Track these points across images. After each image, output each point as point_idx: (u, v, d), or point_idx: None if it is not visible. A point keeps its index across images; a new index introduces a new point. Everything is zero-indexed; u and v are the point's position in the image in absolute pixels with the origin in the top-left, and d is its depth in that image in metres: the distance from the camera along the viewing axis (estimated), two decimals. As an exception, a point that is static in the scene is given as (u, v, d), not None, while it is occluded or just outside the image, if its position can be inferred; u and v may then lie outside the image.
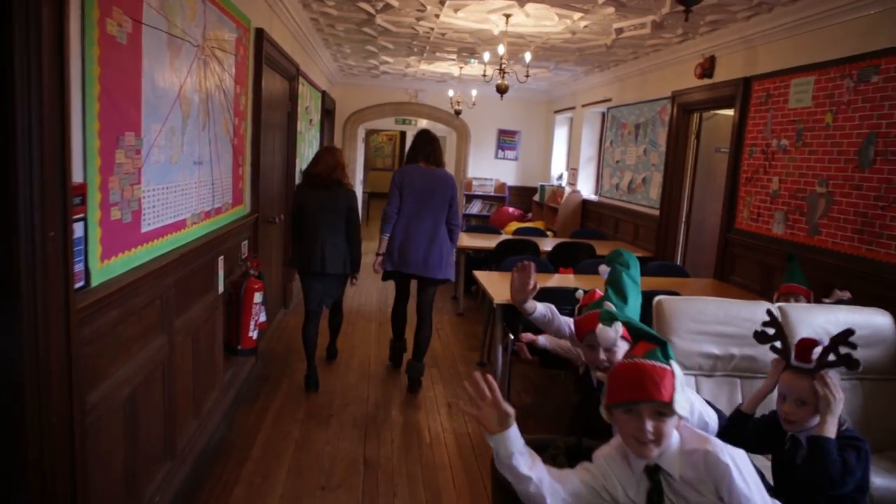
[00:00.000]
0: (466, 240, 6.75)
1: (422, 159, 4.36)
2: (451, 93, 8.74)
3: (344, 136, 10.43)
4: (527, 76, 5.39)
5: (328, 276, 4.22)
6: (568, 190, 9.15)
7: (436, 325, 5.20)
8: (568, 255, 5.93)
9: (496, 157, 10.89)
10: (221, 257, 3.48)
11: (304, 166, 6.87)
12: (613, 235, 7.49)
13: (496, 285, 4.44)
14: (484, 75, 5.57)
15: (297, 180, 6.41)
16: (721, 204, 6.13)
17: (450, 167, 10.63)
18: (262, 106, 4.30)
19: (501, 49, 4.99)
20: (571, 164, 9.54)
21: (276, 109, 5.18)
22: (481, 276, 4.80)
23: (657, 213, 6.46)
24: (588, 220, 8.66)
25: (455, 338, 5.77)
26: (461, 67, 8.28)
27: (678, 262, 6.24)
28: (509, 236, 7.13)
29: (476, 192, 10.63)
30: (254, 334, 3.76)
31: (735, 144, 5.09)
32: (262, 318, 3.99)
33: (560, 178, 10.47)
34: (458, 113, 8.73)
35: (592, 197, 8.79)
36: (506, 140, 10.86)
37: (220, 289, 3.49)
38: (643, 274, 3.36)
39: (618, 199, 7.60)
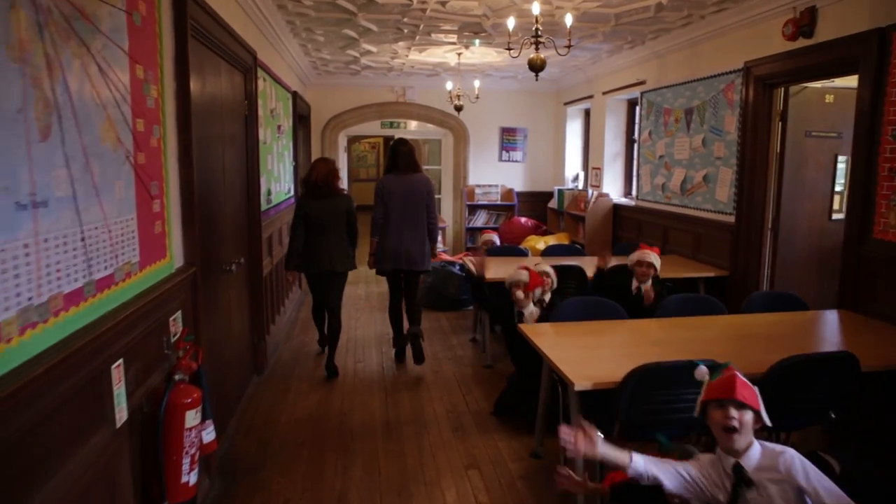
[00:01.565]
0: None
1: (400, 168, 4.83)
2: (449, 85, 7.28)
3: (323, 145, 8.93)
4: (568, 46, 3.94)
5: (337, 274, 4.73)
6: (592, 194, 7.71)
7: (458, 386, 4.56)
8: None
9: (500, 159, 9.44)
10: (118, 363, 1.98)
11: (273, 187, 5.38)
12: (665, 248, 6.06)
13: (563, 350, 2.99)
14: (508, 48, 4.11)
15: (265, 205, 4.93)
16: (816, 204, 4.72)
17: (447, 174, 9.17)
18: (191, 104, 2.80)
19: (536, 7, 3.54)
20: (593, 163, 8.11)
21: (223, 112, 3.68)
22: (535, 334, 3.32)
23: (730, 219, 5.03)
24: (622, 229, 7.22)
25: (489, 408, 4.22)
26: (460, 54, 6.82)
27: (766, 282, 4.83)
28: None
29: (480, 202, 9.17)
30: (191, 478, 2.26)
31: (867, 124, 3.67)
32: (208, 437, 2.50)
33: (575, 179, 9.05)
34: (458, 109, 7.27)
35: (624, 201, 7.36)
36: (510, 139, 9.41)
37: (121, 416, 2.00)
38: (744, 310, 3.85)
39: (665, 203, 6.17)
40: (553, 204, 8.75)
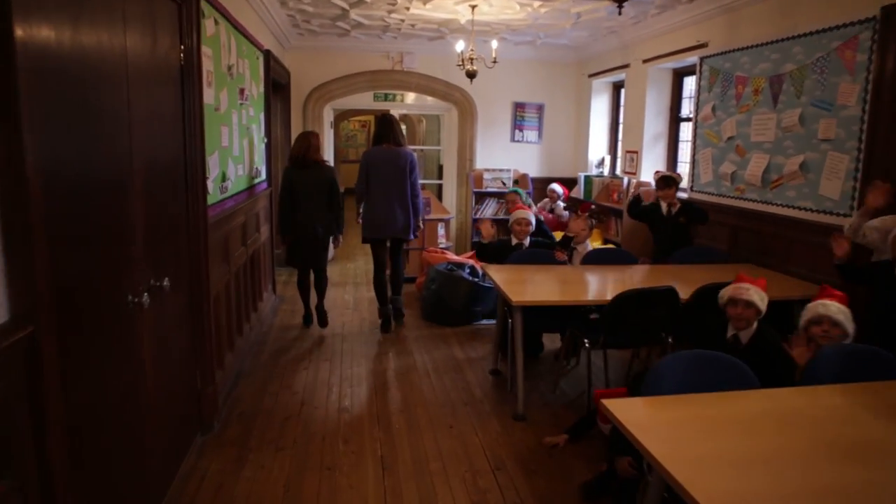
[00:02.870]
0: (503, 275, 3.95)
1: (384, 141, 5.03)
2: (461, 45, 5.90)
3: (304, 120, 7.54)
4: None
5: (319, 240, 5.03)
6: (627, 182, 6.40)
7: (485, 458, 3.01)
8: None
9: (513, 139, 8.09)
10: None
11: (233, 169, 4.05)
12: (734, 255, 4.77)
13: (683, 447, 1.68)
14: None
15: (217, 195, 3.61)
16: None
17: (449, 156, 7.85)
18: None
19: None
20: (626, 146, 6.79)
21: (129, 70, 2.30)
22: (621, 409, 2.00)
23: (844, 221, 3.74)
24: (668, 226, 5.92)
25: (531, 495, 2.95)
26: (474, 7, 5.46)
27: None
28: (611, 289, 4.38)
29: (489, 189, 7.83)
30: None
31: None
32: None
33: (600, 164, 7.73)
34: (471, 76, 5.91)
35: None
36: (525, 116, 8.06)
37: None
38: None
39: (736, 197, 4.87)
40: (577, 193, 7.43)
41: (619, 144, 7.63)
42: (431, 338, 5.09)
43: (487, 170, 7.82)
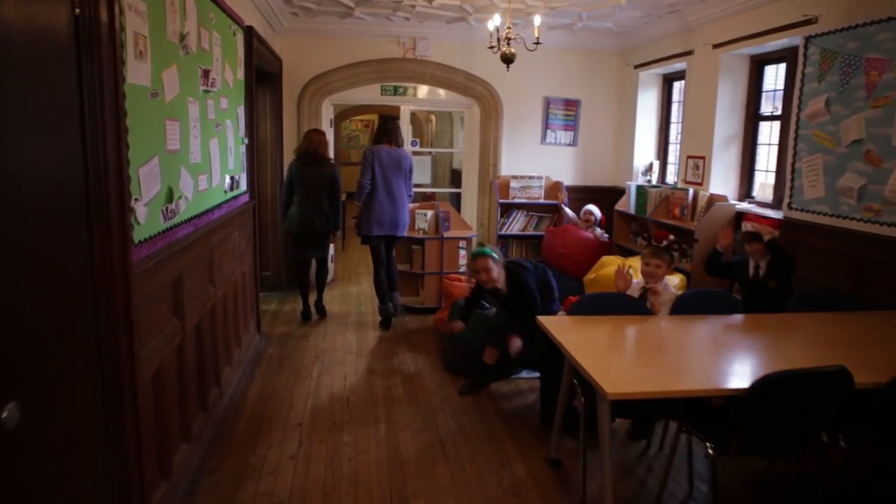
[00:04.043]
0: (570, 335, 2.76)
1: (386, 141, 5.12)
2: (495, 22, 4.68)
3: (300, 115, 6.35)
4: None
5: (316, 233, 5.20)
6: (692, 194, 5.22)
7: None
8: None
9: (544, 141, 6.91)
10: None
11: (193, 183, 2.85)
12: (861, 294, 3.57)
13: None
14: None
15: (164, 223, 2.40)
16: None
17: (470, 160, 6.72)
18: None
19: None
20: (689, 150, 5.60)
21: None
22: None
23: None
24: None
25: None
26: (513, -28, 4.27)
27: None
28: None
29: (517, 200, 6.63)
30: None
31: None
32: None
33: (647, 171, 6.55)
34: (508, 61, 4.72)
35: (752, 208, 4.88)
36: (558, 115, 6.88)
37: None
38: None
39: (864, 219, 3.68)
40: (624, 206, 6.23)
41: (672, 148, 6.44)
42: (461, 400, 3.90)
43: (515, 177, 6.63)
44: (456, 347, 4.31)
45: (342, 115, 13.13)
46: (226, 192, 3.70)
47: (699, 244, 4.81)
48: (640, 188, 5.84)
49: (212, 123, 3.34)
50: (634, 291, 3.51)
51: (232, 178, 3.89)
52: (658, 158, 6.64)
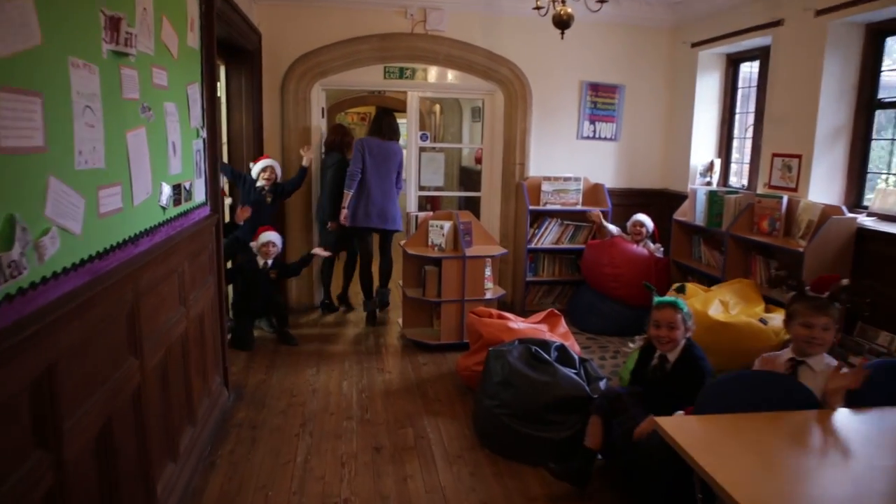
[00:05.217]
0: (710, 457, 1.59)
1: (378, 133, 5.07)
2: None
3: (284, 103, 5.15)
4: None
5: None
6: (785, 202, 4.05)
7: None
8: None
9: (581, 135, 5.72)
10: None
11: (75, 205, 1.58)
12: None
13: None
14: None
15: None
16: None
17: (491, 158, 5.58)
18: None
19: None
20: (776, 146, 4.43)
21: None
22: None
23: None
24: (872, 275, 3.57)
25: None
26: None
27: None
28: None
29: (549, 205, 5.45)
30: None
31: None
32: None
33: (707, 172, 5.38)
34: (563, 24, 3.54)
35: (869, 224, 3.72)
36: (598, 103, 5.69)
37: None
38: None
39: None
40: (686, 214, 5.05)
41: (737, 144, 5.27)
42: (504, 497, 2.73)
43: (547, 178, 5.44)
44: (495, 414, 3.13)
45: (337, 107, 11.91)
46: (164, 207, 2.50)
47: (808, 270, 3.63)
48: (712, 194, 4.66)
49: (133, 106, 2.14)
50: (780, 364, 2.33)
51: (178, 186, 2.69)
52: (720, 156, 5.47)
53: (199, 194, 3.09)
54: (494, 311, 3.98)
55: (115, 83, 1.98)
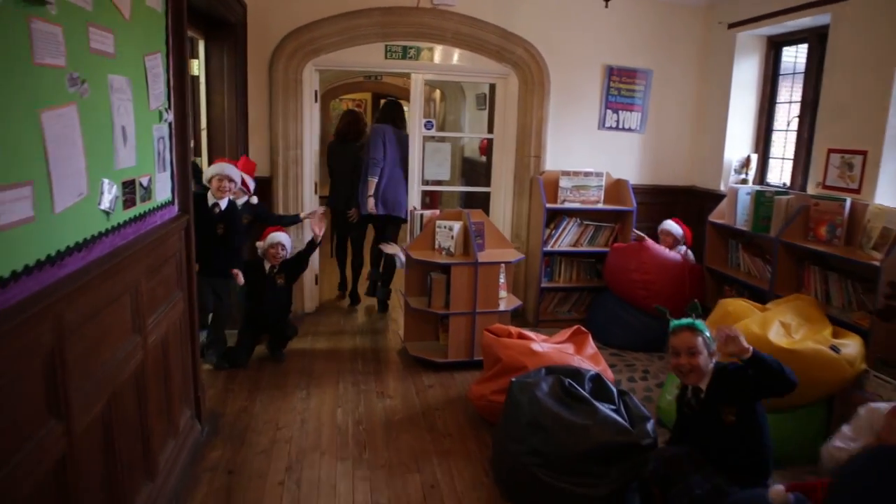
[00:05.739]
0: None
1: (392, 122, 5.00)
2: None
3: (272, 84, 4.55)
4: None
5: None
6: (848, 206, 3.51)
7: None
8: None
9: (602, 125, 5.15)
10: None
11: None
12: None
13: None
14: None
15: None
16: None
17: (502, 150, 5.08)
18: None
19: None
20: (833, 140, 3.88)
21: None
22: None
23: None
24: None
25: None
26: None
27: None
28: None
29: (568, 204, 4.89)
30: None
31: None
32: None
33: (742, 168, 4.85)
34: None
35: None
36: (622, 90, 5.12)
37: None
38: None
39: None
40: (725, 217, 4.49)
41: (777, 138, 4.73)
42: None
43: (566, 173, 4.88)
44: (522, 463, 2.58)
45: (330, 93, 11.28)
46: (108, 212, 1.92)
47: (884, 286, 3.10)
48: (760, 194, 4.10)
49: (53, 76, 1.56)
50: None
51: (130, 184, 2.12)
52: (756, 150, 4.92)
53: (163, 192, 2.51)
54: (513, 329, 3.42)
55: (18, 41, 1.40)
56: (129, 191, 2.11)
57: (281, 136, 4.59)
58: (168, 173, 2.57)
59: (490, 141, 5.43)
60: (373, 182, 4.85)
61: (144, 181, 2.26)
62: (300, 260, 4.15)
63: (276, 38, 4.50)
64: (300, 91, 4.61)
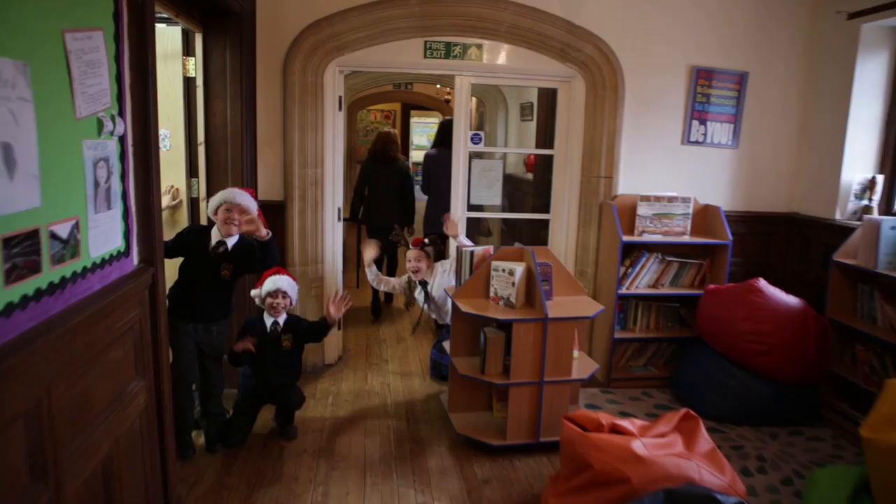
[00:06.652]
0: None
1: (445, 143, 4.80)
2: None
3: (287, 88, 3.72)
4: None
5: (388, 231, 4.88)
6: None
7: None
8: None
9: (686, 139, 4.22)
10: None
11: None
12: None
13: None
14: None
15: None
16: None
17: (568, 166, 4.07)
18: None
19: None
20: None
21: None
22: None
23: None
24: None
25: None
26: None
27: None
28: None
29: (648, 236, 3.96)
30: None
31: None
32: None
33: (864, 192, 3.89)
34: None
35: None
36: (711, 96, 4.20)
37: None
38: None
39: None
40: (859, 257, 3.51)
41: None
42: None
43: (645, 198, 3.96)
44: None
45: (357, 104, 10.52)
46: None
47: None
48: (921, 231, 3.14)
49: None
50: None
51: (29, 237, 1.26)
52: (883, 170, 3.96)
53: (108, 240, 1.67)
54: (604, 418, 2.50)
55: None
56: (25, 249, 1.26)
57: (297, 152, 3.76)
58: (117, 211, 1.72)
59: (546, 158, 4.53)
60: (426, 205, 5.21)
61: (62, 230, 1.41)
62: (312, 333, 3.25)
63: (293, 32, 3.67)
64: (321, 97, 3.77)
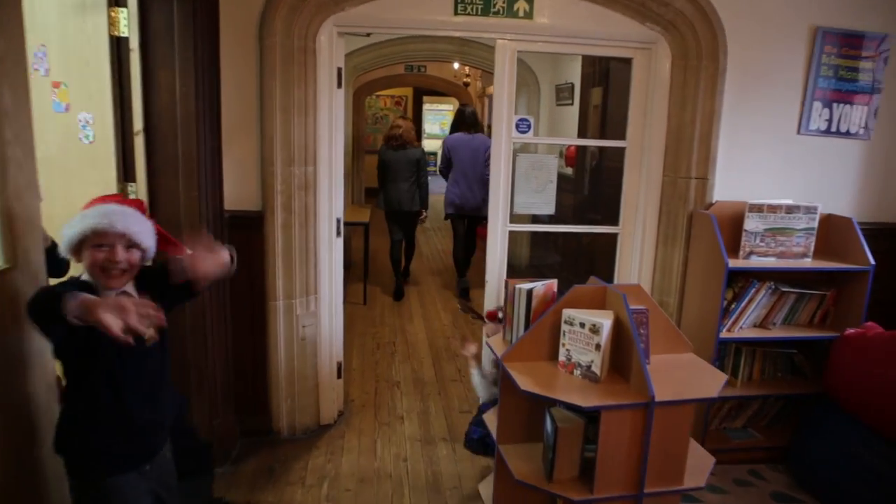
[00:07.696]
0: None
1: (468, 127, 5.54)
2: None
3: (264, 53, 2.66)
4: None
5: (406, 212, 5.55)
6: None
7: None
8: None
9: (805, 128, 3.14)
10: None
11: None
12: None
13: None
14: None
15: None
16: None
17: (647, 159, 2.86)
18: None
19: None
20: None
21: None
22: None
23: None
24: None
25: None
26: None
27: None
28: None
29: (757, 260, 2.90)
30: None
31: None
32: None
33: None
34: None
35: None
36: (840, 68, 3.11)
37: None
38: None
39: None
40: None
41: None
42: None
43: (756, 207, 2.90)
44: None
45: (364, 88, 9.43)
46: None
47: None
48: None
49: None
50: None
51: None
52: None
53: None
54: None
55: None
56: None
57: (279, 144, 2.73)
58: None
59: (615, 151, 3.47)
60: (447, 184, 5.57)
61: None
62: (179, 292, 1.77)
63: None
64: (312, 68, 2.73)
